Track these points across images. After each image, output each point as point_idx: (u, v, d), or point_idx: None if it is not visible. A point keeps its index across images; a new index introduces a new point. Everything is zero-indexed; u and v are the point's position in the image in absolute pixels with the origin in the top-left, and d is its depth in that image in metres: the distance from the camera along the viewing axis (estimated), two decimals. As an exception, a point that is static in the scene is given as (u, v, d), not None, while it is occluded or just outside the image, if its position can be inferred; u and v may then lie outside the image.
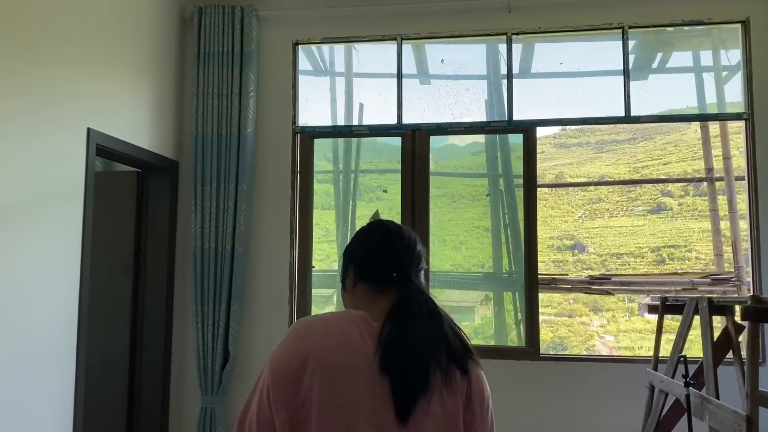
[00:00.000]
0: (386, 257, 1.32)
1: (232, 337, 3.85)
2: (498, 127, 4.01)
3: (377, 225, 1.39)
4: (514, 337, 4.10)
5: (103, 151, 3.28)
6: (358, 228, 1.43)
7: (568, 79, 4.16)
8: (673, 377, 2.83)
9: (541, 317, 3.86)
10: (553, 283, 4.16)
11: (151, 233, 4.03)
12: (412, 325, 1.21)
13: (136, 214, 4.00)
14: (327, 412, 1.14)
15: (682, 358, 2.71)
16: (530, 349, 3.77)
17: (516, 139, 4.04)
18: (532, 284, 3.81)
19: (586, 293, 4.60)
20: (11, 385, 2.62)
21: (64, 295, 2.98)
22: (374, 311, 1.25)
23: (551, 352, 6.80)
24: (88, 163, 3.06)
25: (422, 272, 1.34)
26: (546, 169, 8.71)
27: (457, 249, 4.42)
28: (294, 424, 1.15)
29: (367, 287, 1.31)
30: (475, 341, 4.48)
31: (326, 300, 4.52)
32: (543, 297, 4.05)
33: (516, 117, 3.94)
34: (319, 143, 4.25)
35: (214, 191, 3.96)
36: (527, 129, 3.93)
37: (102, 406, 3.86)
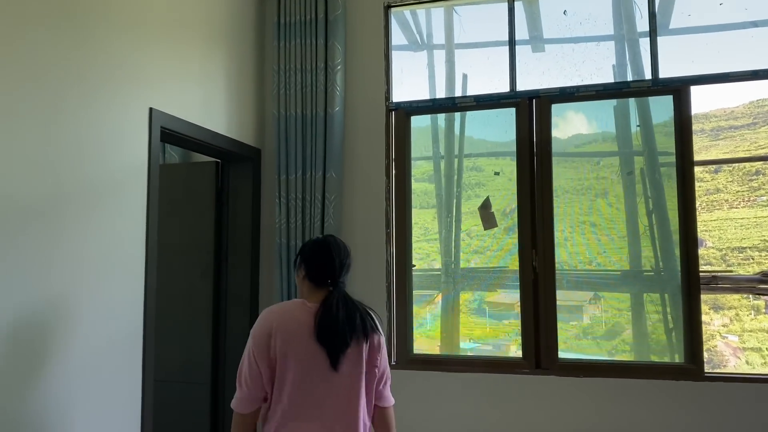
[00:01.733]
0: (326, 271, 2.00)
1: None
2: (640, 88, 3.21)
3: (325, 243, 2.05)
4: (664, 349, 3.31)
5: (171, 135, 2.86)
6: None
7: (728, 28, 3.30)
8: None
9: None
10: (713, 282, 3.30)
11: (233, 230, 3.62)
12: (334, 311, 1.92)
13: (216, 209, 3.60)
14: (285, 359, 1.88)
15: None
16: (692, 366, 2.97)
17: (661, 113, 3.26)
18: (691, 285, 3.01)
19: (755, 294, 3.68)
20: (70, 398, 2.23)
21: (129, 299, 2.57)
22: (313, 299, 1.97)
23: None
24: (151, 147, 2.64)
25: (348, 274, 2.05)
26: (658, 159, 7.80)
27: (562, 246, 3.71)
28: (270, 368, 1.88)
29: (311, 284, 2.01)
30: (611, 348, 3.72)
31: (430, 300, 3.91)
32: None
33: (663, 75, 3.14)
34: (417, 131, 3.65)
35: (299, 180, 3.47)
36: (678, 89, 3.13)
37: (184, 420, 3.49)
